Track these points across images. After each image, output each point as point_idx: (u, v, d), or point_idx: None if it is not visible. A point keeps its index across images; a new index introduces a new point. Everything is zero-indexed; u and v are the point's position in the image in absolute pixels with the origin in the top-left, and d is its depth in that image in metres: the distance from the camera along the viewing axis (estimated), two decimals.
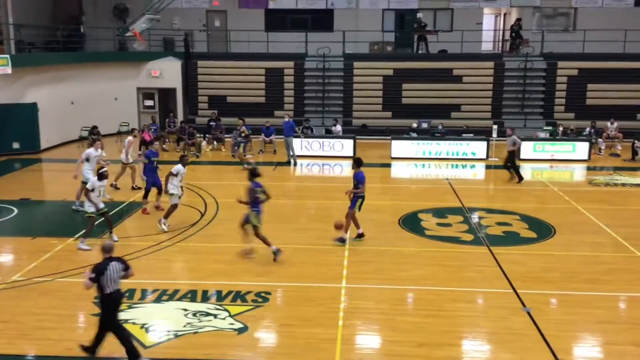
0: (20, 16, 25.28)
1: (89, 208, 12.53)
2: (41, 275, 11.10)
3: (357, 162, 13.18)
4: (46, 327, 9.14)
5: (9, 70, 20.40)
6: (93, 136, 22.65)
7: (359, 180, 12.88)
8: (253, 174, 12.15)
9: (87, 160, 15.01)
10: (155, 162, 15.49)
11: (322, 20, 31.63)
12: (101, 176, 12.65)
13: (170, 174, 13.57)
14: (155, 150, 16.31)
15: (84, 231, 12.75)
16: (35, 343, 8.68)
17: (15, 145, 22.56)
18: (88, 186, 12.69)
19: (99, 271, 7.90)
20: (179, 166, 13.71)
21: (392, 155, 22.94)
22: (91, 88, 26.37)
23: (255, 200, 11.89)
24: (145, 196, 15.26)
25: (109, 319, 8.10)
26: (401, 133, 24.38)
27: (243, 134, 22.12)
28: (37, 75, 23.66)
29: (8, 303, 9.94)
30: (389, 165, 21.83)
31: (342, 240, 13.00)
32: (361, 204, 13.05)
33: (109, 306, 8.07)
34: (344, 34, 28.90)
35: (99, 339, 8.14)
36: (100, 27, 29.92)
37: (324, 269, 11.62)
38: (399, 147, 23.16)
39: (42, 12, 28.88)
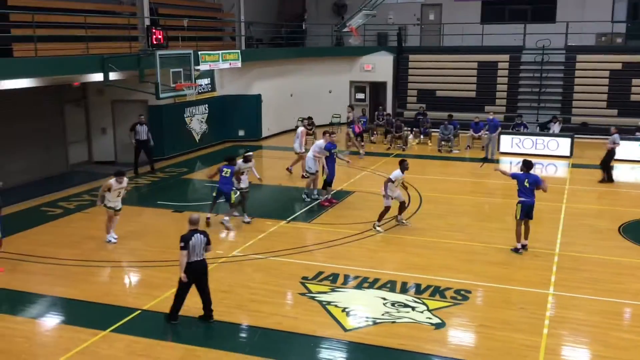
0: (250, 14, 27.62)
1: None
2: (257, 252, 12.10)
3: (527, 165, 12.16)
4: (259, 300, 9.93)
5: (239, 64, 22.42)
6: (308, 127, 24.03)
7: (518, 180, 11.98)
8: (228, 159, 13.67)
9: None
10: (335, 154, 15.67)
11: (543, 10, 29.82)
12: (246, 159, 14.10)
13: (389, 180, 13.14)
14: (333, 142, 15.78)
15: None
16: (249, 314, 9.48)
17: (240, 133, 24.76)
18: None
19: (185, 240, 8.72)
20: (398, 172, 13.18)
21: (615, 157, 20.91)
22: (308, 81, 27.97)
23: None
24: (324, 187, 15.72)
25: (182, 284, 8.84)
26: (628, 133, 22.14)
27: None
28: (262, 69, 25.71)
29: (228, 275, 10.99)
30: (610, 168, 19.97)
31: (515, 250, 12.00)
32: (522, 210, 11.80)
33: (189, 274, 8.79)
34: (567, 24, 26.97)
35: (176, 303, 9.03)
36: (320, 23, 31.55)
37: (530, 272, 11.05)
38: (623, 147, 21.04)
39: (269, 11, 31.30)
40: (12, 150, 17.26)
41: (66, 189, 17.16)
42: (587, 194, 17.12)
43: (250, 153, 14.61)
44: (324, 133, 16.08)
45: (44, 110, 18.51)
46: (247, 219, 14.07)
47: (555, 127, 23.06)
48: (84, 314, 9.58)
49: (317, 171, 15.75)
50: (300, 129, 19.05)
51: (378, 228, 13.40)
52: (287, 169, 18.96)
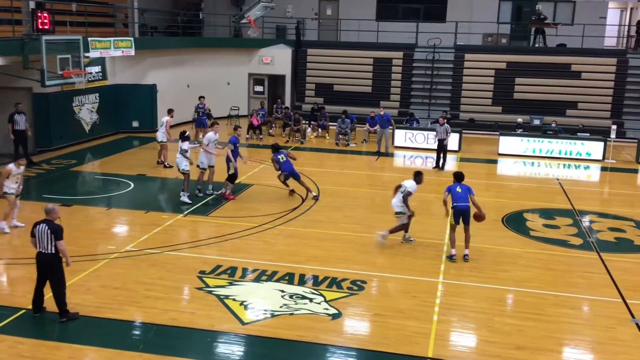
0: (145, 1, 26.69)
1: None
2: (152, 247, 11.77)
3: (456, 176, 12.05)
4: (154, 296, 9.68)
5: (132, 52, 21.63)
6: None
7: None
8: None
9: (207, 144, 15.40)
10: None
11: (434, 10, 31.06)
12: (187, 138, 14.80)
13: (408, 193, 12.17)
14: (237, 136, 15.62)
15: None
16: (143, 311, 9.22)
17: (135, 124, 23.92)
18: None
19: (32, 228, 8.70)
20: (413, 184, 12.27)
21: (500, 152, 22.23)
22: (206, 72, 27.48)
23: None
24: (231, 180, 15.38)
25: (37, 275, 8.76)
26: (511, 129, 23.57)
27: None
28: (158, 58, 24.96)
29: (121, 271, 10.62)
30: (495, 162, 21.18)
31: (449, 257, 11.60)
32: (455, 214, 11.66)
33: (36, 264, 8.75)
34: (457, 24, 28.24)
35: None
36: (218, 13, 31.06)
37: (422, 262, 11.51)
38: (507, 143, 22.39)
39: None
40: None
41: None
42: (474, 186, 17.96)
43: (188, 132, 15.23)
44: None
45: None
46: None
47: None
48: None
49: (210, 166, 15.38)
50: (166, 118, 18.56)
51: (382, 239, 12.27)
52: (163, 164, 18.49)
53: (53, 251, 8.62)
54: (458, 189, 11.74)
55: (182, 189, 14.87)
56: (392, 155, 21.81)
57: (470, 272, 11.10)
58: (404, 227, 12.46)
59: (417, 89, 28.39)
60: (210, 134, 15.50)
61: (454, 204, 11.63)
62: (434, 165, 19.86)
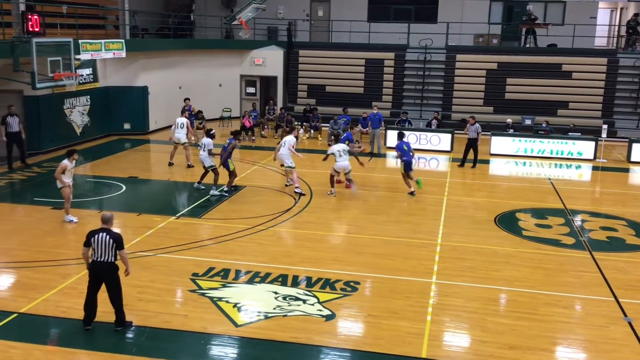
0: (135, 3, 26.62)
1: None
2: (144, 250, 11.73)
3: (399, 135, 17.06)
4: (146, 299, 9.64)
5: (123, 54, 21.55)
6: (198, 121, 23.65)
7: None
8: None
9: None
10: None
11: (425, 11, 31.14)
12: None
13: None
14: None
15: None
16: (136, 314, 9.16)
17: (126, 126, 23.83)
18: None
19: (88, 236, 8.43)
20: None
21: (492, 152, 22.30)
22: (198, 74, 27.42)
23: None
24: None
25: (88, 284, 8.54)
26: (502, 129, 23.65)
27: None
28: (149, 60, 24.88)
29: None
30: (487, 162, 21.23)
31: (411, 194, 16.06)
32: (405, 166, 16.21)
33: (90, 273, 8.54)
34: (448, 25, 28.32)
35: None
36: (209, 15, 31.00)
37: (414, 262, 11.52)
38: (499, 143, 22.48)
39: (156, 0, 30.29)
40: None
41: None
42: (467, 186, 18.11)
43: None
44: (292, 130, 17.45)
45: None
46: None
47: (433, 123, 24.12)
48: None
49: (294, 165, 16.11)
50: (184, 120, 18.84)
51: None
52: (187, 165, 18.77)
53: (112, 260, 8.46)
54: (405, 147, 16.27)
55: (214, 184, 15.67)
56: (384, 155, 21.83)
57: (463, 272, 11.12)
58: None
59: (409, 90, 28.45)
60: (291, 137, 16.59)
61: (404, 158, 16.12)
62: (459, 164, 19.95)
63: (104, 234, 8.41)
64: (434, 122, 23.91)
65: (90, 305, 8.54)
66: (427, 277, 10.82)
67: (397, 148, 16.49)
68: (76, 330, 8.62)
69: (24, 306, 9.16)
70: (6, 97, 18.69)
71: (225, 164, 15.53)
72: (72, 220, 13.13)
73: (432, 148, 22.65)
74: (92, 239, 8.38)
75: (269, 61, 29.08)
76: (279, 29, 31.08)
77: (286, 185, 16.75)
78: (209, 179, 15.85)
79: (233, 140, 15.76)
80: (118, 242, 8.45)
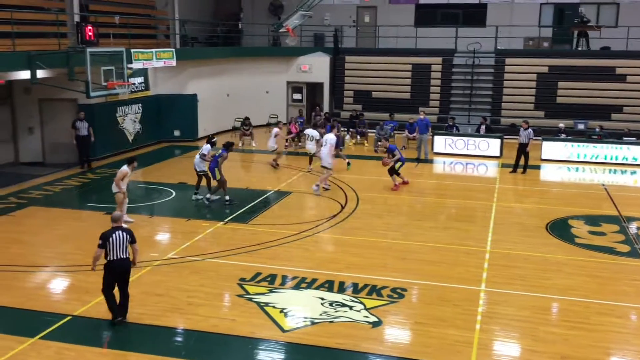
0: (185, 12, 27.17)
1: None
2: (193, 254, 11.92)
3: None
4: (195, 303, 9.79)
5: (173, 62, 22.02)
6: (245, 127, 23.96)
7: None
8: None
9: None
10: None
11: (474, 15, 30.72)
12: (213, 144, 15.93)
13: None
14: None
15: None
16: (185, 318, 9.32)
17: (176, 133, 24.31)
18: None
19: (104, 237, 8.73)
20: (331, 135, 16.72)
21: (542, 157, 21.80)
22: (245, 81, 27.79)
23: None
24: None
25: (104, 283, 8.84)
26: (554, 134, 23.10)
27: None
28: (198, 68, 25.34)
29: (163, 278, 10.78)
30: (538, 167, 20.76)
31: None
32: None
33: (110, 272, 8.81)
34: (497, 29, 27.89)
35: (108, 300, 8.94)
36: (256, 23, 31.39)
37: (462, 269, 11.35)
38: (550, 148, 21.94)
39: (205, 9, 30.88)
40: None
41: None
42: (517, 193, 17.74)
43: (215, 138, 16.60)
44: (332, 127, 18.03)
45: None
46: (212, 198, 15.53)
47: (482, 129, 23.78)
48: (10, 321, 9.18)
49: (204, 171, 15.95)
50: (275, 129, 20.03)
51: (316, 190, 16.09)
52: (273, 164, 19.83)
53: (128, 256, 8.91)
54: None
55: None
56: (431, 161, 21.62)
57: (513, 280, 10.89)
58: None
59: (457, 95, 28.11)
60: (332, 135, 17.07)
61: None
62: (512, 170, 19.59)
63: (120, 231, 8.85)
64: (483, 127, 23.57)
65: (114, 301, 8.95)
66: (476, 285, 10.64)
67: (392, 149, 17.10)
68: (127, 333, 8.83)
69: (78, 309, 9.42)
70: (62, 105, 19.38)
71: (212, 171, 15.30)
72: (127, 221, 13.40)
73: (481, 153, 22.31)
74: (109, 240, 8.75)
75: (315, 67, 29.23)
76: (325, 36, 31.22)
77: (325, 188, 16.77)
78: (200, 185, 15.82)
79: (225, 152, 15.46)
80: (133, 236, 8.95)
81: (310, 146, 19.02)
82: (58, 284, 10.87)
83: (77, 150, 19.21)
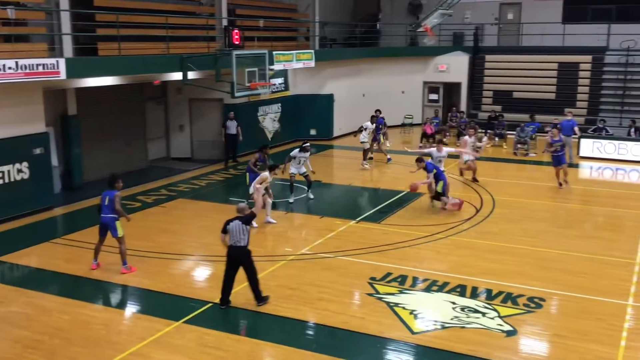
0: (325, 14, 27.74)
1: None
2: (325, 251, 12.17)
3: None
4: (326, 299, 9.99)
5: (312, 64, 22.60)
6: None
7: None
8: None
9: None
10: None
11: (629, 10, 28.47)
12: (304, 149, 15.76)
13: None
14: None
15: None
16: (316, 312, 9.55)
17: (312, 132, 24.94)
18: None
19: (225, 224, 9.42)
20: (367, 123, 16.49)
21: None
22: (381, 81, 27.86)
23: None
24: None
25: (225, 268, 9.50)
26: None
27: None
28: (335, 68, 25.80)
29: (296, 273, 11.11)
30: None
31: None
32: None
33: (228, 258, 9.49)
34: None
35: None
36: (394, 23, 31.36)
37: (608, 282, 10.61)
38: None
39: (344, 11, 31.36)
40: (96, 145, 18.05)
41: (145, 183, 17.82)
42: None
43: (308, 144, 16.21)
44: (439, 142, 17.41)
45: (127, 108, 19.27)
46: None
47: (632, 132, 22.02)
48: (158, 304, 9.93)
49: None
50: (370, 124, 20.19)
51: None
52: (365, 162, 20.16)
53: (246, 244, 9.45)
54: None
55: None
56: (576, 166, 20.36)
57: None
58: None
59: (608, 95, 26.25)
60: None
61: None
62: None
63: (238, 220, 9.44)
64: (632, 130, 21.84)
65: (227, 287, 9.56)
66: (623, 299, 9.90)
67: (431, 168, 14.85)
68: (264, 323, 9.21)
69: (219, 296, 9.96)
70: (209, 105, 20.59)
71: (250, 180, 14.36)
72: (270, 222, 13.96)
73: (633, 158, 20.68)
74: (228, 226, 9.42)
75: (453, 67, 28.64)
76: (465, 34, 30.48)
77: (474, 180, 17.11)
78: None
79: (266, 174, 13.50)
80: (248, 221, 9.52)
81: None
82: (202, 273, 11.59)
83: (225, 147, 20.43)
